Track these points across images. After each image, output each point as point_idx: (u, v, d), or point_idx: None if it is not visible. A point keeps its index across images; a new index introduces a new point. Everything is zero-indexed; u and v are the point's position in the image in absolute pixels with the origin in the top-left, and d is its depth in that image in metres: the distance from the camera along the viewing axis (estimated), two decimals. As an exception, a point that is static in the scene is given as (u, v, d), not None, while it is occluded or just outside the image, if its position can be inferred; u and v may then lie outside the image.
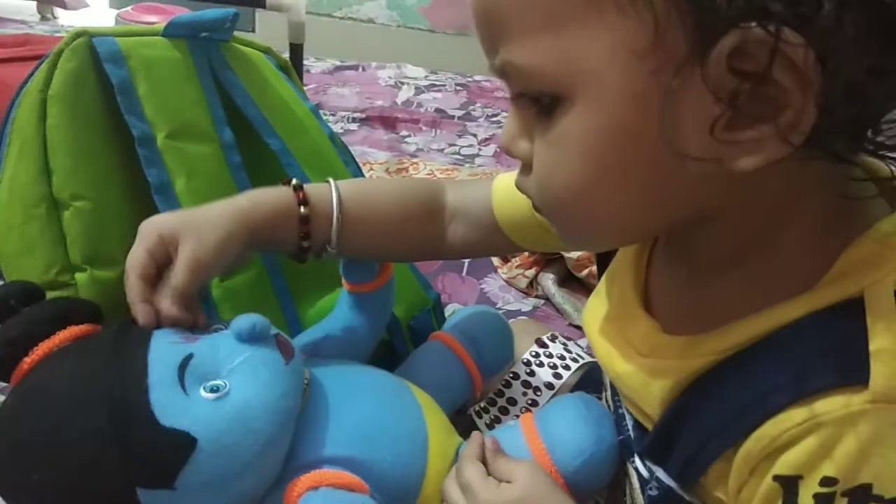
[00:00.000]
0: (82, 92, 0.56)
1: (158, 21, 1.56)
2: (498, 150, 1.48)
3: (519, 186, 0.38)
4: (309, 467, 0.45)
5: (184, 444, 0.40)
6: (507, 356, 0.67)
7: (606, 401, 0.53)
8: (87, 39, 0.57)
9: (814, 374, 0.31)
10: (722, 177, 0.30)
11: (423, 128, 1.58)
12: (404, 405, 0.52)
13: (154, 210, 0.57)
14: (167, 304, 0.45)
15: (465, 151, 1.49)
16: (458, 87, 1.82)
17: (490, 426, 0.70)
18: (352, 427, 0.48)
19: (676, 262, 0.42)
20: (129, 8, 1.68)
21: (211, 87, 0.63)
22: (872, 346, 0.30)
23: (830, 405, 0.31)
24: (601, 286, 0.49)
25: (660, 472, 0.40)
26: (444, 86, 1.82)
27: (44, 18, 2.05)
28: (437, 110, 1.67)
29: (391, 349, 0.70)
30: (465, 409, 0.71)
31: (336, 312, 0.62)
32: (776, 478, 0.32)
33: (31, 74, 0.57)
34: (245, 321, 0.44)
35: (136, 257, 0.46)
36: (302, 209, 0.51)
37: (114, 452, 0.39)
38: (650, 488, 0.42)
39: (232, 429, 0.41)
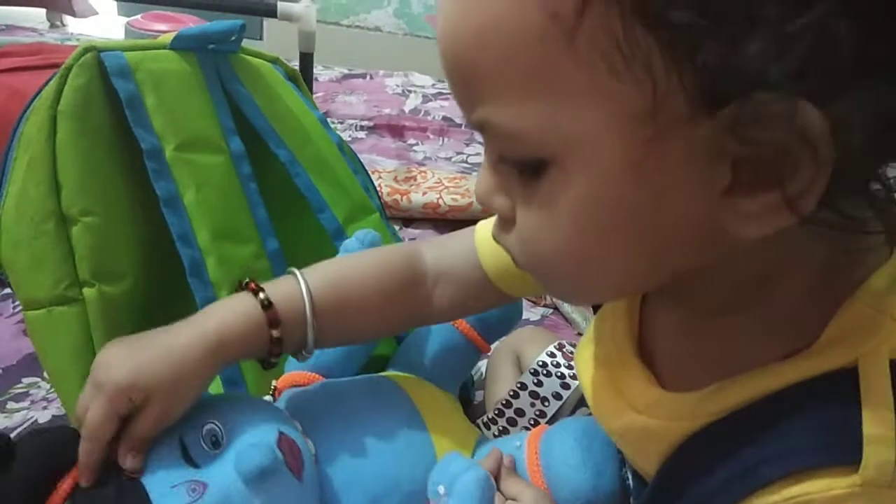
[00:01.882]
0: (91, 107, 0.56)
1: (168, 29, 1.57)
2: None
3: (497, 239, 0.36)
4: None
5: None
6: (514, 314, 0.66)
7: None
8: (96, 55, 0.57)
9: (804, 451, 0.31)
10: (720, 240, 0.29)
11: (431, 136, 1.58)
12: (414, 445, 0.52)
13: (163, 223, 0.57)
14: (132, 459, 0.43)
15: (472, 160, 1.49)
16: (466, 95, 1.82)
17: (498, 437, 0.69)
18: (366, 499, 0.47)
19: (670, 307, 0.40)
20: (138, 16, 1.69)
21: (220, 98, 0.63)
22: (865, 428, 0.29)
23: (820, 485, 0.30)
24: (592, 327, 0.47)
25: None
26: (450, 94, 1.81)
27: (53, 26, 2.07)
28: (445, 118, 1.67)
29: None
30: (472, 419, 0.71)
31: None
32: None
33: (40, 91, 0.57)
34: (249, 464, 0.41)
35: (101, 423, 0.42)
36: (274, 332, 0.47)
37: None
38: None
39: None
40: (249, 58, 0.68)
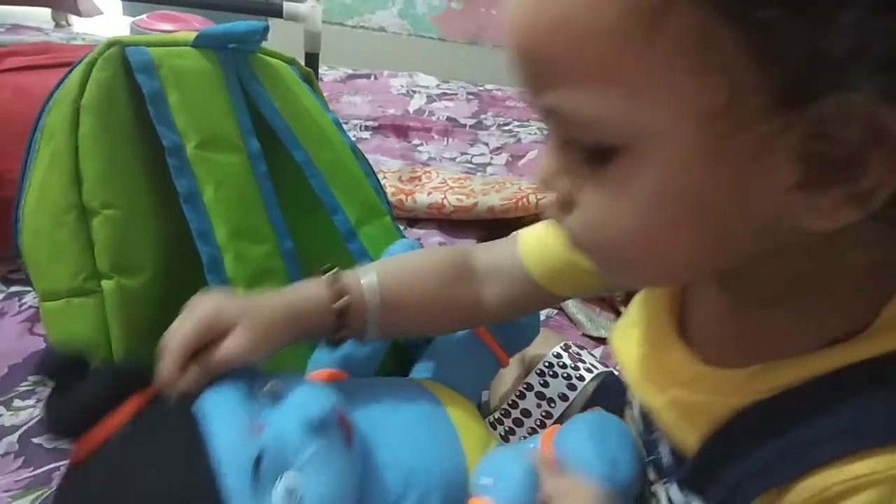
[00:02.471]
0: (115, 101, 0.57)
1: (173, 29, 1.58)
2: (510, 158, 1.49)
3: (556, 222, 0.36)
4: None
5: None
6: (533, 330, 0.67)
7: (633, 419, 0.53)
8: (120, 49, 0.57)
9: (870, 429, 0.31)
10: (783, 232, 0.30)
11: (436, 136, 1.58)
12: (443, 441, 0.52)
13: (182, 219, 0.58)
14: (193, 374, 0.45)
15: (476, 160, 1.50)
16: (470, 96, 1.82)
17: (505, 438, 0.70)
18: (399, 485, 0.48)
19: (719, 292, 0.40)
20: (143, 16, 1.69)
21: (239, 98, 0.64)
22: None
23: (887, 463, 0.30)
24: (632, 309, 0.47)
25: (696, 502, 0.40)
26: (455, 94, 1.82)
27: (58, 26, 2.06)
28: (449, 119, 1.67)
29: (404, 349, 0.71)
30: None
31: None
32: None
33: (62, 82, 0.57)
34: (310, 411, 0.43)
35: (184, 338, 0.45)
36: (339, 303, 0.51)
37: None
38: None
39: None
40: (267, 58, 0.69)
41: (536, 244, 0.56)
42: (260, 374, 0.47)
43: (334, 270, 0.52)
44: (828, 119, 0.26)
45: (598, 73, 0.28)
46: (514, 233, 0.57)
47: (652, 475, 0.49)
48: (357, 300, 0.52)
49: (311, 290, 0.51)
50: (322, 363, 0.59)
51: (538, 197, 1.13)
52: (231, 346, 0.46)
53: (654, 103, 0.28)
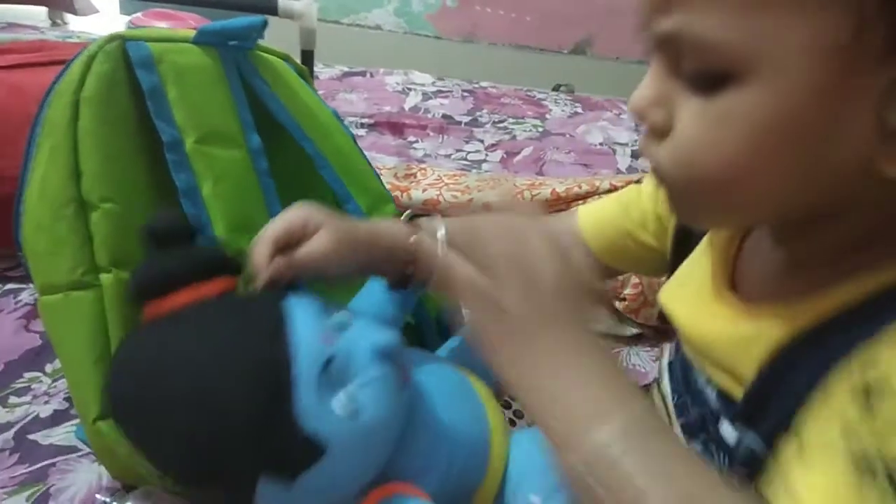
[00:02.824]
0: (114, 95, 0.57)
1: (169, 27, 1.58)
2: (504, 155, 1.49)
3: (645, 152, 0.37)
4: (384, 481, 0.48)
5: (315, 451, 0.43)
6: None
7: (661, 392, 0.53)
8: (121, 43, 0.57)
9: None
10: (865, 180, 0.30)
11: (431, 133, 1.59)
12: (472, 407, 0.54)
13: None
14: (280, 262, 0.49)
15: (472, 157, 1.50)
16: (465, 94, 1.83)
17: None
18: (433, 436, 0.50)
19: (775, 252, 0.41)
20: (139, 14, 1.69)
21: (240, 94, 0.64)
22: None
23: None
24: (681, 271, 0.49)
25: (748, 437, 0.39)
26: (450, 92, 1.83)
27: (54, 24, 2.06)
28: (444, 116, 1.68)
29: (419, 332, 0.72)
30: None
31: (365, 295, 0.64)
32: None
33: (61, 75, 0.57)
34: (382, 338, 0.47)
35: (277, 229, 0.50)
36: (412, 240, 0.55)
37: (252, 444, 0.42)
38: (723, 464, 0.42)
39: (356, 444, 0.44)
40: (264, 54, 0.68)
41: (594, 217, 0.59)
42: (333, 304, 0.50)
43: (408, 213, 0.56)
44: None
45: None
46: (569, 212, 0.61)
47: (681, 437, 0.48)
48: (428, 243, 0.56)
49: (389, 223, 0.57)
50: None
51: (532, 193, 1.14)
52: (313, 245, 0.50)
53: (781, 33, 0.29)
